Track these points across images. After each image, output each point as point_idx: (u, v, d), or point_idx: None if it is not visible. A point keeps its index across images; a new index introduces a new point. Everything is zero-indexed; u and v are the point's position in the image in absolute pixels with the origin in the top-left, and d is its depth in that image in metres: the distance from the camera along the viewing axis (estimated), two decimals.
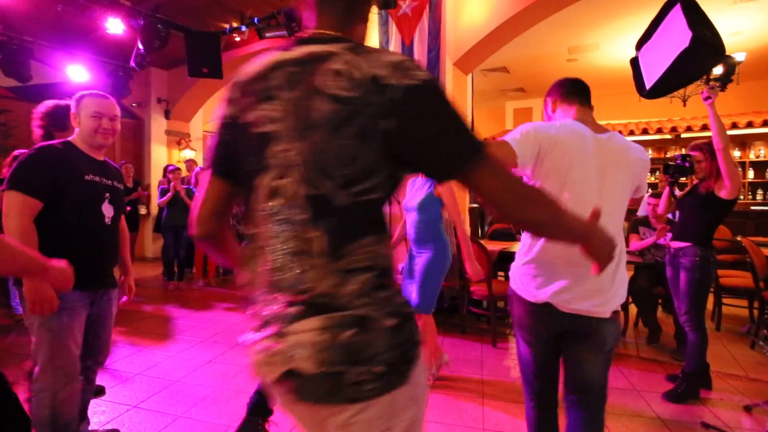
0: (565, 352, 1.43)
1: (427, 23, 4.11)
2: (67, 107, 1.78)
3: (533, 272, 1.38)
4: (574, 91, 1.48)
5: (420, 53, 4.20)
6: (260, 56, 0.80)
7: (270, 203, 0.75)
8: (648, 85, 2.18)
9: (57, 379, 1.58)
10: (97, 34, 4.93)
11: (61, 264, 1.18)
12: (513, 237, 4.38)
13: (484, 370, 2.88)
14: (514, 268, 1.47)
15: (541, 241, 1.35)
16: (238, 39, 5.61)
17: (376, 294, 0.74)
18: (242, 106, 0.79)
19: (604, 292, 1.32)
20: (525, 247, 1.43)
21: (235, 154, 0.81)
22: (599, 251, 0.85)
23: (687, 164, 2.61)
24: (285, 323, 0.73)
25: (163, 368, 2.85)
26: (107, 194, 1.74)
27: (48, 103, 1.96)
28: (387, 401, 0.72)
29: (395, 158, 0.72)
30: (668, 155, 8.08)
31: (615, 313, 1.35)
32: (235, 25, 5.11)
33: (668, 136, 7.53)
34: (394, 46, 4.33)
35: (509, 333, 3.61)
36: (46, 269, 1.14)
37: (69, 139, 1.72)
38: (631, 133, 7.43)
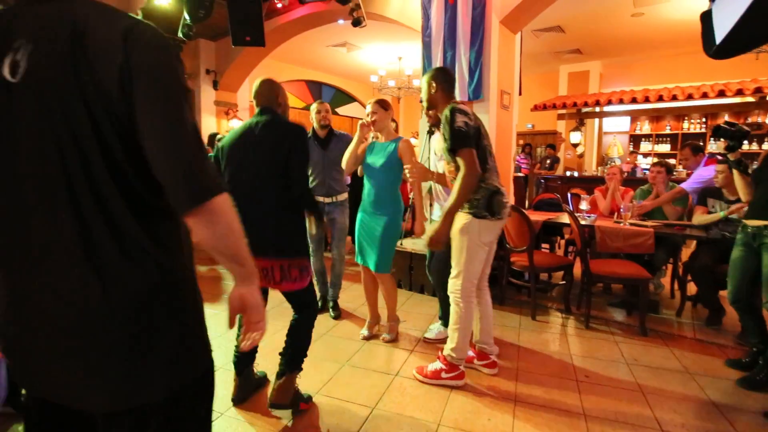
0: None
1: None
2: None
3: None
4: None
5: (464, 12, 3.93)
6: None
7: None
8: (719, 40, 1.84)
9: None
10: (146, 6, 5.08)
11: None
12: (559, 207, 4.14)
13: (521, 340, 2.79)
14: None
15: None
16: (279, 5, 5.58)
17: None
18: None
19: None
20: None
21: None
22: None
23: (734, 130, 2.27)
24: None
25: None
26: None
27: None
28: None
29: None
30: (749, 121, 7.20)
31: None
32: None
33: (750, 99, 6.65)
34: (437, 4, 4.08)
35: (551, 307, 3.46)
36: None
37: None
38: (704, 96, 6.63)
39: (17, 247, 0.72)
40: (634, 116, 8.59)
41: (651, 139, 8.67)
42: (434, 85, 2.19)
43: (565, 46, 7.50)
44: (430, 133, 4.08)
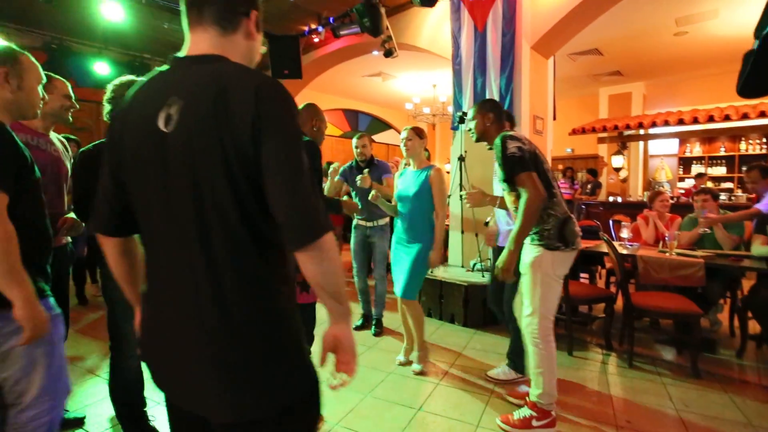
0: None
1: (501, 6, 3.84)
2: None
3: None
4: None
5: (493, 39, 3.95)
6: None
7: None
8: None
9: None
10: None
11: None
12: (596, 235, 3.92)
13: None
14: None
15: None
16: (316, 40, 5.86)
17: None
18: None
19: None
20: None
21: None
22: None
23: None
24: None
25: None
26: None
27: None
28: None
29: None
30: None
31: None
32: (313, 26, 5.34)
33: None
34: (467, 33, 4.13)
35: (590, 341, 3.23)
36: None
37: None
38: (762, 114, 6.20)
39: (157, 272, 0.87)
40: (683, 138, 8.15)
41: (703, 161, 8.14)
42: (490, 116, 2.19)
43: (603, 68, 7.31)
44: (461, 159, 4.05)
